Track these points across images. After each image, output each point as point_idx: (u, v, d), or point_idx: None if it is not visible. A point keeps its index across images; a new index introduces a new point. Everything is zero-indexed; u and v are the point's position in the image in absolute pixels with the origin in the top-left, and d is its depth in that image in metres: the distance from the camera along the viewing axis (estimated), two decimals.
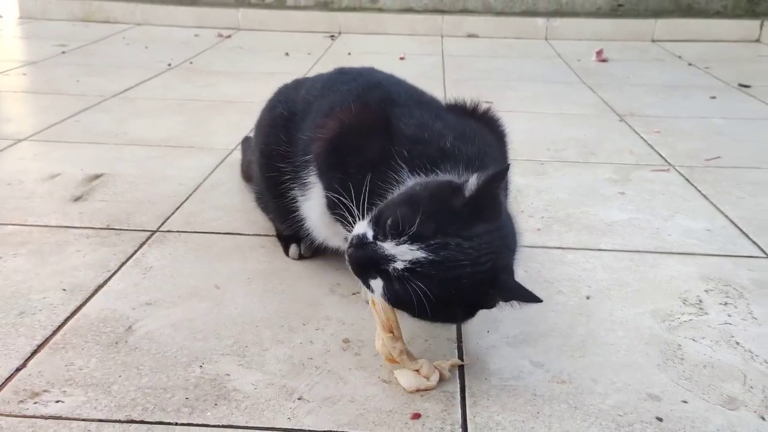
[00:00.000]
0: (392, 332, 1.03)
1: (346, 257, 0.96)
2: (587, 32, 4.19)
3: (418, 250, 0.89)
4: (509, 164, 1.01)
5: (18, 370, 1.05)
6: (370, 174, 1.06)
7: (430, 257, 0.88)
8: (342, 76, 1.37)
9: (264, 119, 1.44)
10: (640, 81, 3.20)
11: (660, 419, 0.98)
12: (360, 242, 0.94)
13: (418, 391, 1.02)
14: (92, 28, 4.23)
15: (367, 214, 0.98)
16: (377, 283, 0.94)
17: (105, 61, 3.37)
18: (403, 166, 1.06)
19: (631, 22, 4.21)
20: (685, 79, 3.26)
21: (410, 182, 1.04)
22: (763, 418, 0.98)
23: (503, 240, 0.96)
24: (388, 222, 0.91)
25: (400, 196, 0.98)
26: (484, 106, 1.28)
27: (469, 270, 0.89)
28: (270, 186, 1.35)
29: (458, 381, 1.05)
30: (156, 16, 4.38)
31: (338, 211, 1.18)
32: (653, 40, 4.18)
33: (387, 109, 1.18)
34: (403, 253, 0.89)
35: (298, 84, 1.47)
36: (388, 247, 0.90)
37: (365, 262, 0.93)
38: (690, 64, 3.56)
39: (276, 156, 1.31)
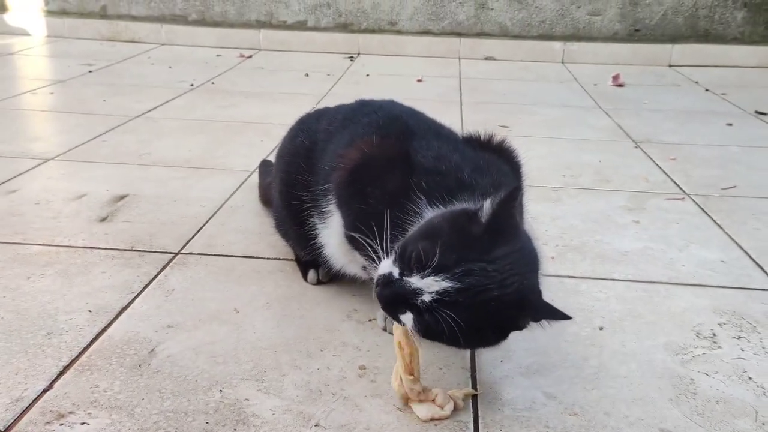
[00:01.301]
0: (413, 374, 1.05)
1: (375, 296, 0.99)
2: (604, 56, 4.22)
3: (443, 280, 0.91)
4: (520, 184, 1.04)
5: (45, 391, 1.08)
6: (390, 205, 1.09)
7: (456, 285, 0.91)
8: (363, 107, 1.40)
9: (285, 148, 1.48)
10: (656, 106, 3.21)
11: None
12: (386, 281, 0.96)
13: (432, 420, 1.05)
14: (118, 47, 4.33)
15: (391, 249, 1.01)
16: (407, 318, 0.96)
17: (130, 80, 3.44)
18: (422, 197, 1.08)
19: (648, 47, 4.23)
20: (702, 105, 3.27)
21: (429, 213, 1.07)
22: None
23: (526, 260, 0.98)
24: (412, 257, 0.94)
25: (419, 229, 1.01)
26: (498, 138, 1.31)
27: (496, 293, 0.91)
28: (290, 214, 1.39)
29: (471, 411, 1.07)
30: (180, 36, 4.48)
31: (356, 240, 1.21)
32: (670, 65, 4.20)
33: (407, 141, 1.21)
34: (429, 285, 0.92)
35: (319, 114, 1.51)
36: (414, 281, 0.93)
37: (393, 299, 0.96)
38: (707, 90, 3.56)
39: (297, 185, 1.35)
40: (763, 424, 1.06)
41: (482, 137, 1.30)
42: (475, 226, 0.95)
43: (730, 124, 2.89)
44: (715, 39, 4.25)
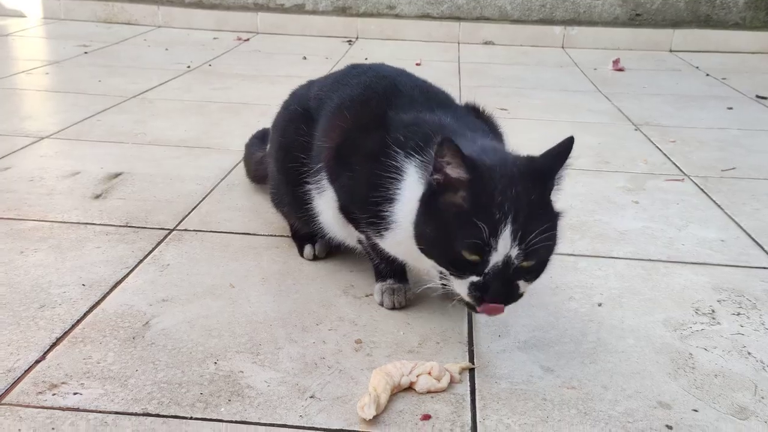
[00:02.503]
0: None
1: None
2: (604, 41, 4.19)
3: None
4: (572, 137, 1.06)
5: (37, 362, 1.07)
6: (372, 166, 1.12)
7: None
8: (353, 70, 1.41)
9: (280, 117, 1.48)
10: (656, 90, 3.19)
11: (670, 427, 0.98)
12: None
13: (428, 392, 1.03)
14: (114, 29, 4.29)
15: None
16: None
17: (126, 62, 3.41)
18: (399, 150, 1.11)
19: (649, 31, 4.20)
20: (702, 89, 3.25)
21: (408, 165, 1.09)
22: None
23: None
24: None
25: None
26: (485, 108, 1.34)
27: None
28: (287, 179, 1.38)
29: (468, 384, 1.06)
30: (177, 18, 4.43)
31: (350, 213, 1.21)
32: (671, 50, 4.17)
33: (391, 99, 1.23)
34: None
35: (310, 84, 1.51)
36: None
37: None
38: (707, 75, 3.54)
39: (296, 146, 1.34)
40: (762, 397, 1.05)
41: (470, 104, 1.33)
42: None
43: (731, 108, 2.87)
44: (716, 24, 4.22)
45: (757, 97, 3.06)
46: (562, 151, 1.04)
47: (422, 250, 1.06)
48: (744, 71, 3.65)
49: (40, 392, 1.00)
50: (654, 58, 3.99)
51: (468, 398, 1.03)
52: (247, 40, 4.16)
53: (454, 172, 0.99)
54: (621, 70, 3.63)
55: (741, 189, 1.94)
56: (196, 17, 4.42)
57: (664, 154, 2.24)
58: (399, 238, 1.12)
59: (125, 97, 2.71)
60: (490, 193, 0.97)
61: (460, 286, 1.02)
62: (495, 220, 0.95)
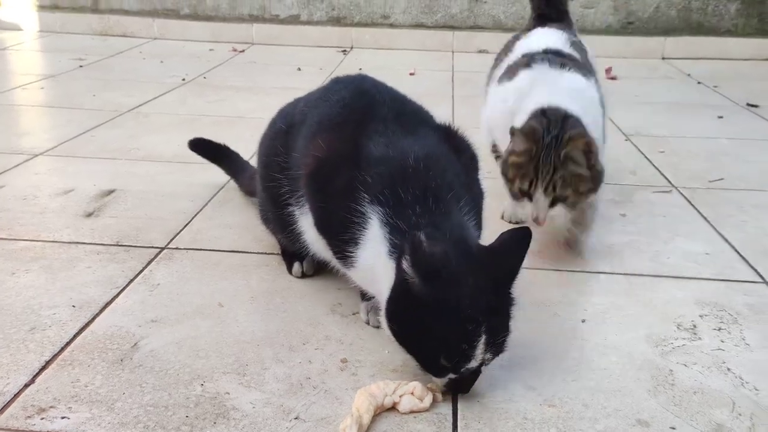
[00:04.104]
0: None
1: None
2: (597, 49, 4.16)
3: None
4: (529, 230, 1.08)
5: (26, 386, 1.09)
6: (340, 204, 1.14)
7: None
8: (335, 85, 1.44)
9: (265, 135, 1.51)
10: (648, 99, 3.21)
11: None
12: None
13: (411, 412, 1.05)
14: (110, 41, 4.32)
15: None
16: None
17: (121, 75, 3.44)
18: (365, 195, 1.13)
19: (641, 39, 4.22)
20: (694, 97, 3.27)
21: (372, 215, 1.10)
22: None
23: None
24: None
25: None
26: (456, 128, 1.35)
27: None
28: (270, 197, 1.41)
29: (451, 403, 1.08)
30: (172, 30, 4.46)
31: (324, 232, 1.23)
32: (663, 58, 4.19)
33: (363, 125, 1.23)
34: None
35: (297, 100, 1.54)
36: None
37: None
38: (699, 83, 3.56)
39: (275, 166, 1.37)
40: (740, 414, 1.06)
41: (443, 125, 1.35)
42: None
43: (721, 117, 2.89)
44: (708, 32, 4.24)
45: (748, 105, 3.08)
46: (521, 247, 1.06)
47: (397, 340, 1.07)
48: (736, 78, 3.67)
49: (28, 416, 1.02)
50: (646, 65, 4.02)
51: (450, 418, 1.05)
52: (243, 51, 4.19)
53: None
54: (613, 78, 3.65)
55: (728, 200, 1.96)
56: (191, 29, 4.45)
57: (653, 165, 2.26)
58: (364, 276, 1.17)
59: (119, 111, 2.73)
60: (463, 308, 1.00)
61: (436, 377, 1.07)
62: (471, 333, 1.00)
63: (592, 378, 1.15)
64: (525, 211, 1.49)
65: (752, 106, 3.06)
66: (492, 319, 1.01)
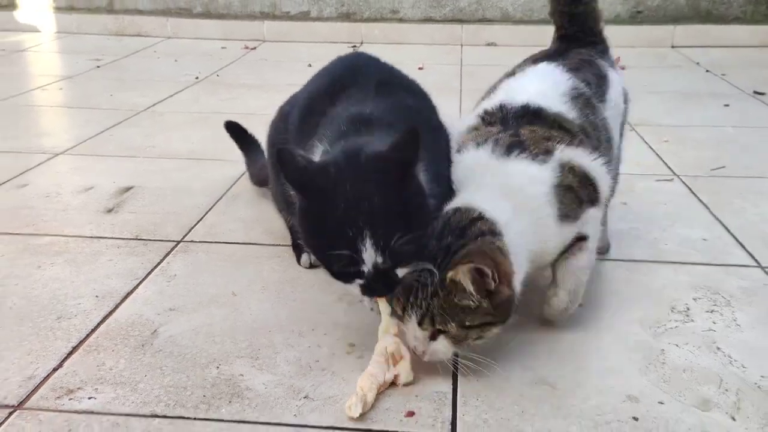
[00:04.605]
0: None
1: None
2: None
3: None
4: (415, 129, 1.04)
5: (55, 369, 1.17)
6: (305, 143, 1.25)
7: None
8: (332, 62, 1.52)
9: (273, 119, 1.62)
10: (655, 89, 3.24)
11: (636, 419, 1.06)
12: None
13: (409, 384, 1.13)
14: (125, 41, 4.41)
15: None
16: None
17: (136, 74, 3.52)
18: (318, 136, 1.21)
19: (650, 28, 4.24)
20: (701, 86, 3.29)
21: (317, 150, 1.18)
22: (734, 419, 1.05)
23: None
24: None
25: None
26: None
27: None
28: (276, 178, 1.48)
29: (451, 382, 1.15)
30: (185, 29, 4.55)
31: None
32: (672, 46, 4.20)
33: (340, 91, 1.31)
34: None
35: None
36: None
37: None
38: (707, 71, 3.58)
39: (280, 145, 1.44)
40: (726, 390, 1.12)
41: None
42: None
43: (727, 105, 2.91)
44: (717, 19, 4.25)
45: (755, 92, 3.10)
46: (410, 147, 1.02)
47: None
48: (744, 66, 3.68)
49: (58, 397, 1.10)
50: (655, 54, 4.03)
51: (450, 396, 1.11)
52: (254, 48, 4.26)
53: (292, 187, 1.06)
54: (622, 68, 3.66)
55: (729, 187, 2.00)
56: (204, 27, 4.53)
57: (657, 155, 2.30)
58: None
59: (135, 110, 2.82)
60: (336, 212, 1.00)
61: (352, 288, 1.08)
62: (350, 238, 0.99)
63: (587, 358, 1.21)
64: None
65: (759, 93, 3.08)
66: (377, 222, 0.99)
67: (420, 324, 1.10)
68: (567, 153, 1.23)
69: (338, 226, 1.00)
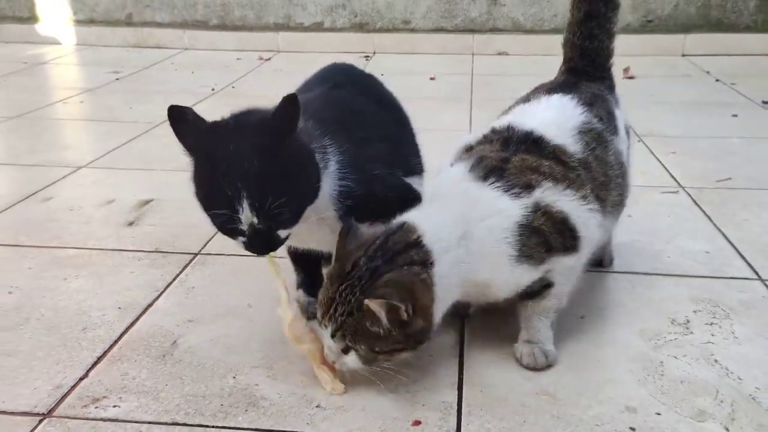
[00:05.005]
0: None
1: None
2: (617, 48, 4.24)
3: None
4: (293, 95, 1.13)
5: (81, 379, 1.24)
6: None
7: None
8: (325, 67, 1.66)
9: None
10: (664, 99, 3.27)
11: (633, 429, 1.10)
12: None
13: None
14: (144, 53, 4.51)
15: None
16: None
17: (155, 87, 3.62)
18: None
19: (661, 37, 4.26)
20: (710, 95, 3.32)
21: None
22: (727, 429, 1.10)
23: None
24: None
25: None
26: None
27: None
28: None
29: (456, 393, 1.20)
30: (201, 40, 4.64)
31: None
32: (683, 55, 4.23)
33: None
34: None
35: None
36: None
37: None
38: (717, 80, 3.60)
39: None
40: (722, 401, 1.16)
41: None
42: None
43: (735, 115, 2.94)
44: (728, 28, 4.26)
45: (763, 102, 3.12)
46: (289, 109, 1.10)
47: None
48: (754, 74, 3.70)
49: (84, 406, 1.17)
50: (666, 63, 4.06)
51: (455, 406, 1.17)
52: (269, 59, 4.34)
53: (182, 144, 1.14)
54: (632, 77, 3.70)
55: (733, 199, 2.03)
56: (219, 39, 4.62)
57: (663, 166, 2.34)
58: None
59: (154, 123, 2.90)
60: (218, 173, 1.07)
61: (232, 239, 1.15)
62: (229, 197, 1.06)
63: (587, 369, 1.26)
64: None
65: (767, 103, 3.10)
66: (253, 184, 1.05)
67: (333, 336, 1.14)
68: (549, 195, 1.18)
69: (219, 186, 1.07)
